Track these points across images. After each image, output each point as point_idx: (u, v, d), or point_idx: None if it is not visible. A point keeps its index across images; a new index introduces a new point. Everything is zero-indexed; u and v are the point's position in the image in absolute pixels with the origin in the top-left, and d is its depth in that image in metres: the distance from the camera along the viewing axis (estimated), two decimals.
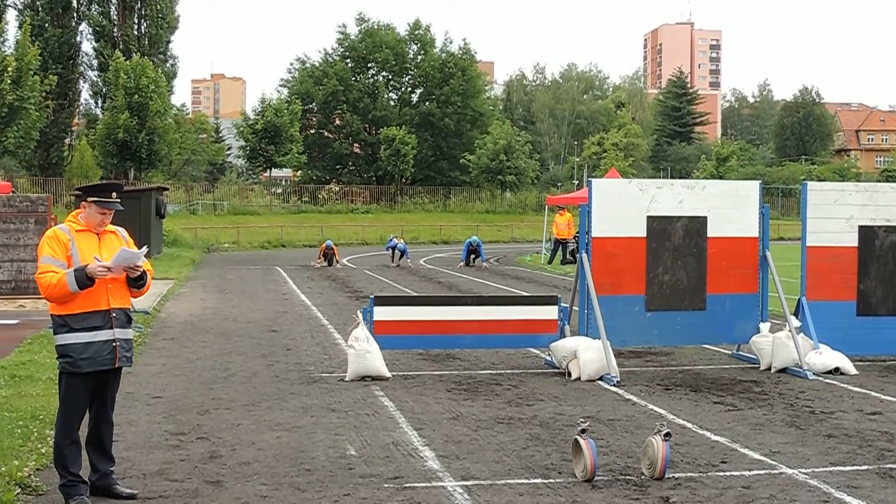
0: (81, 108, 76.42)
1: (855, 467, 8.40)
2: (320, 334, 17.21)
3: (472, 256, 36.95)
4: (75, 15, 72.57)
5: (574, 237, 35.27)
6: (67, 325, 7.09)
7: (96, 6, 72.46)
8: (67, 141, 75.13)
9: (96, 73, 72.91)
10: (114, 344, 7.22)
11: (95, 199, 7.28)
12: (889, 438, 9.29)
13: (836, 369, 13.22)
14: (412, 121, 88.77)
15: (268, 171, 79.63)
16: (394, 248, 37.75)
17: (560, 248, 37.67)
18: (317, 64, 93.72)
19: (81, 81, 74.26)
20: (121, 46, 68.29)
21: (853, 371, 13.22)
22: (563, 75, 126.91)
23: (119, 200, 7.41)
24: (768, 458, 8.68)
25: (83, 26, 72.91)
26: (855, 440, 9.38)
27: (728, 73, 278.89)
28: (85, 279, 6.99)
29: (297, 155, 75.98)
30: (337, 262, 37.02)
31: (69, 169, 73.13)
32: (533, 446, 9.05)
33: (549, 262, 37.25)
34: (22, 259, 21.70)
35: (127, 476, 7.85)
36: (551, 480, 7.90)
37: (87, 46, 73.64)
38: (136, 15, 71.79)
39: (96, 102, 74.45)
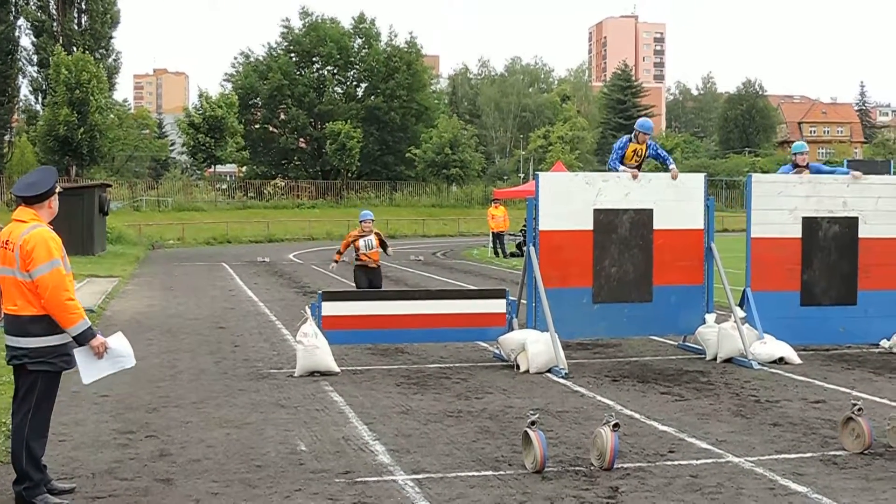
0: (21, 104, 75.40)
1: (800, 455, 8.51)
2: (268, 330, 17.15)
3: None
4: (13, 9, 71.55)
5: (521, 230, 35.48)
6: (58, 326, 7.10)
7: (34, 0, 71.50)
8: (7, 137, 74.20)
9: (36, 68, 72.02)
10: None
11: (60, 190, 7.39)
12: (832, 426, 9.41)
13: (781, 359, 13.38)
14: (358, 115, 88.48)
15: (211, 166, 79.02)
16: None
17: (498, 240, 38.13)
18: (261, 58, 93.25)
19: (21, 77, 73.35)
20: (62, 41, 67.43)
21: (797, 360, 13.39)
22: (508, 69, 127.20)
23: None
24: (715, 447, 8.78)
25: (21, 21, 71.98)
26: (799, 428, 9.51)
27: (672, 66, 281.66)
28: (84, 340, 7.14)
29: (234, 151, 75.28)
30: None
31: (9, 166, 72.22)
32: (483, 439, 9.08)
33: (500, 255, 37.49)
34: None
35: (75, 476, 7.78)
36: (501, 472, 7.94)
37: (26, 41, 72.82)
38: (75, 9, 70.95)
39: (36, 98, 73.66)
